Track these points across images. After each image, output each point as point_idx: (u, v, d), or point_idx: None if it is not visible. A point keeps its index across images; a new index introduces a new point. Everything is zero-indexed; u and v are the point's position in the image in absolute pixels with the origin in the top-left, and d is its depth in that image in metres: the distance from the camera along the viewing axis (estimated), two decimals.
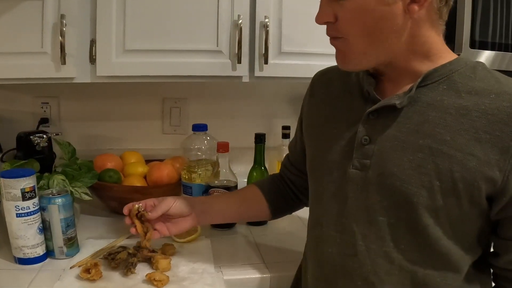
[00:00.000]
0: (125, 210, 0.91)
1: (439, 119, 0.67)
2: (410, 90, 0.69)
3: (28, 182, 0.94)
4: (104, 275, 0.91)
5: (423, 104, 0.69)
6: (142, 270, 0.94)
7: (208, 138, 1.32)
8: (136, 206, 0.90)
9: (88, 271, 0.89)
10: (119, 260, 0.95)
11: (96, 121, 1.55)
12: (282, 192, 1.03)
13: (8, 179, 0.92)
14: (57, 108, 1.52)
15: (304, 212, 0.99)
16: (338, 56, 0.74)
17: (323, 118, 0.83)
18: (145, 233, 0.90)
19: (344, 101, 0.80)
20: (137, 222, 0.90)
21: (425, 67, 0.70)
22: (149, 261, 0.97)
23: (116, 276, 0.92)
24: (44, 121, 1.49)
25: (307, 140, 0.89)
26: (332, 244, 0.76)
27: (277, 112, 1.63)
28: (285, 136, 1.44)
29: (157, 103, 1.58)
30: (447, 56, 0.71)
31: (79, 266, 0.94)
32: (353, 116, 0.76)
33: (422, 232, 0.68)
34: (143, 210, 0.90)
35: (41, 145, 1.31)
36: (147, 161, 1.38)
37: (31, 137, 1.31)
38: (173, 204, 0.92)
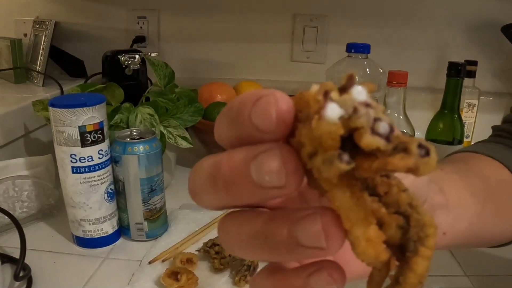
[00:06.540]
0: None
1: None
2: None
3: (92, 116, 0.57)
4: (201, 281, 0.53)
5: None
6: None
7: (371, 64, 0.85)
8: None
9: (176, 277, 0.51)
10: (228, 259, 0.56)
11: (205, 41, 1.19)
12: None
13: (59, 109, 0.56)
14: (157, 24, 1.19)
15: None
16: None
17: None
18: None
19: None
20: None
21: None
22: None
23: (220, 284, 0.54)
24: (139, 39, 1.17)
25: None
26: None
27: (453, 42, 1.10)
28: (469, 74, 1.01)
29: (285, 20, 1.17)
30: None
31: (162, 261, 0.57)
32: None
33: None
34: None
35: (131, 67, 0.96)
36: None
37: (120, 56, 0.97)
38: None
